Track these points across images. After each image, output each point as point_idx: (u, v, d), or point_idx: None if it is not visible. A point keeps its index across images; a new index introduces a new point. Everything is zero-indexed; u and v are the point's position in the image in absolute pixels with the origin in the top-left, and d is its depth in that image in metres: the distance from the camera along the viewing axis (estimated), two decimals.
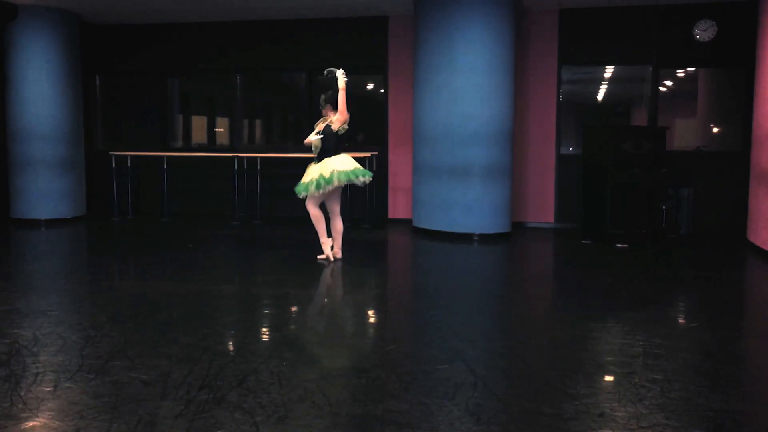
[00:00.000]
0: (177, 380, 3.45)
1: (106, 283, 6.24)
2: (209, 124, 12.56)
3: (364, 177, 6.78)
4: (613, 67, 10.64)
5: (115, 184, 10.70)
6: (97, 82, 11.48)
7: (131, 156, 10.77)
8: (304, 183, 6.83)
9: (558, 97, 9.83)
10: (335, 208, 7.05)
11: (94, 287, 6.02)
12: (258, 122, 12.96)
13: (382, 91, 10.61)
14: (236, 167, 10.41)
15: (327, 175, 6.61)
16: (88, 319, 4.76)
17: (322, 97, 7.01)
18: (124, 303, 5.28)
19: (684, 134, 11.07)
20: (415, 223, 9.26)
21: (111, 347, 4.04)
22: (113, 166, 10.68)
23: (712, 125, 10.72)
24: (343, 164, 6.71)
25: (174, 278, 6.42)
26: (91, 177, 11.04)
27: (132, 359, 3.80)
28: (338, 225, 7.07)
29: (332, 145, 6.78)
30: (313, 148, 6.91)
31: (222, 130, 12.24)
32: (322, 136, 6.77)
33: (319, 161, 6.80)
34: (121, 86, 11.52)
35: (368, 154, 9.88)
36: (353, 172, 6.70)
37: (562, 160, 9.93)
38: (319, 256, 7.08)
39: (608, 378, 3.64)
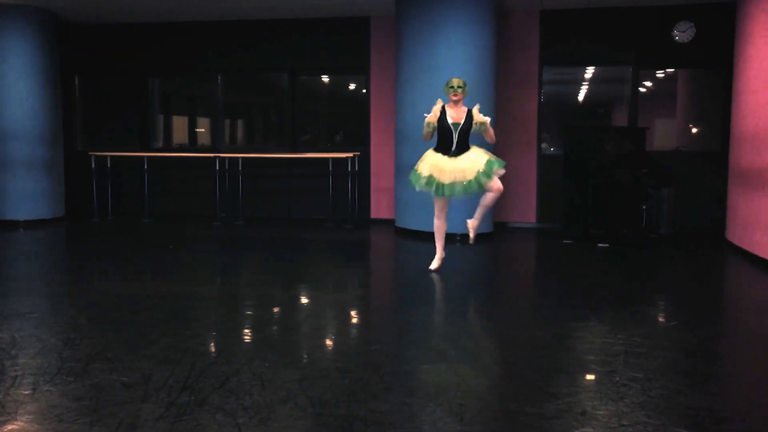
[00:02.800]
0: (158, 382, 3.42)
1: (86, 285, 6.18)
2: (190, 124, 12.48)
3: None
4: (593, 67, 10.72)
5: (94, 185, 10.61)
6: (77, 82, 11.37)
7: (111, 156, 10.68)
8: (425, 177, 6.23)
9: (539, 98, 9.89)
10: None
11: (74, 289, 5.95)
12: (240, 122, 12.90)
13: (364, 91, 10.61)
14: (218, 167, 10.36)
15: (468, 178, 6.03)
16: (68, 321, 4.71)
17: (454, 81, 6.28)
18: (104, 305, 5.23)
19: (664, 134, 11.19)
20: (398, 224, 9.26)
21: (91, 349, 4.00)
22: (93, 166, 10.59)
23: (691, 126, 10.83)
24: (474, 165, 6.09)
25: (155, 279, 6.37)
26: (71, 178, 10.93)
27: (112, 361, 3.76)
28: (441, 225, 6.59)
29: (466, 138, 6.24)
30: (427, 127, 6.24)
31: (203, 130, 12.18)
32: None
33: (453, 154, 6.17)
34: (101, 86, 11.42)
35: (350, 155, 9.88)
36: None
37: (543, 160, 9.99)
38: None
39: (589, 377, 3.66)
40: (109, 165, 10.70)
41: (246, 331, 4.70)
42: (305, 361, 3.96)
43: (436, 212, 6.49)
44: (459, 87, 6.24)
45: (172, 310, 5.10)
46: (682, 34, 9.40)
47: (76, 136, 11.38)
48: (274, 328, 4.82)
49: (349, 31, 10.34)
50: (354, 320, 5.15)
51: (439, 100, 6.36)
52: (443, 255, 6.59)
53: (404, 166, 9.00)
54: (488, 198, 6.22)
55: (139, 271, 6.79)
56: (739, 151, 7.90)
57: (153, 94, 11.58)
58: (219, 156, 10.34)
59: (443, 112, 6.24)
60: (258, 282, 6.33)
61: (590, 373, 3.71)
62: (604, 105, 12.43)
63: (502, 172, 6.14)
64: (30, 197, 9.99)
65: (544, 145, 10.30)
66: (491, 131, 6.32)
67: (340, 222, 10.09)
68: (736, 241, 7.83)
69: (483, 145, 6.55)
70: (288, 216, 10.77)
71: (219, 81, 11.06)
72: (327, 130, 11.80)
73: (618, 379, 3.55)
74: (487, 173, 6.01)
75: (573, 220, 8.64)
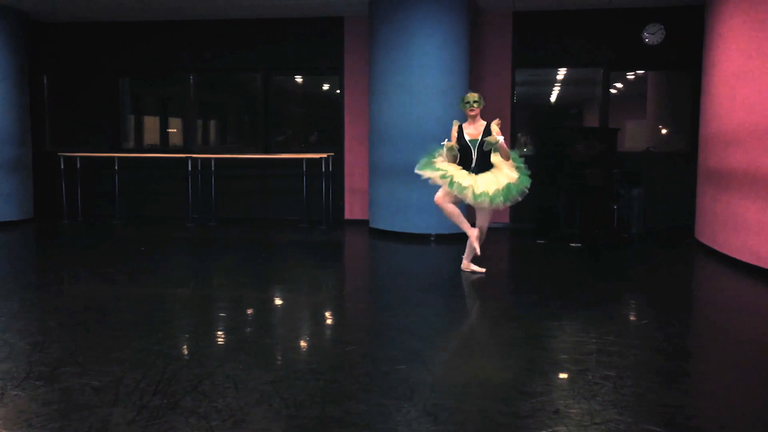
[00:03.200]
0: (129, 386, 3.38)
1: (55, 288, 6.07)
2: (162, 124, 12.35)
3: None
4: (565, 69, 10.83)
5: (64, 186, 10.45)
6: (46, 81, 11.20)
7: (81, 157, 10.53)
8: (442, 172, 6.05)
9: (512, 99, 9.95)
10: (482, 223, 6.40)
11: (43, 292, 5.85)
12: (212, 123, 12.80)
13: (338, 91, 10.59)
14: (190, 168, 10.27)
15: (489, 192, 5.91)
16: (37, 325, 4.63)
17: (470, 96, 6.16)
18: (74, 308, 5.15)
19: (634, 135, 11.33)
20: (372, 224, 9.26)
21: (60, 353, 3.94)
22: (62, 167, 10.43)
23: (661, 127, 10.99)
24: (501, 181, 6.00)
25: (126, 282, 6.29)
26: (40, 179, 10.76)
27: (82, 365, 3.71)
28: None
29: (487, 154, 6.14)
30: (449, 151, 6.11)
31: (175, 130, 12.06)
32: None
33: (473, 172, 6.07)
34: (70, 86, 11.26)
35: (324, 155, 9.86)
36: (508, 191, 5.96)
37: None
38: (473, 267, 6.50)
39: (563, 375, 3.69)
40: (78, 166, 10.55)
41: (219, 333, 4.66)
42: (279, 362, 3.93)
43: (445, 196, 6.14)
44: (475, 102, 6.11)
45: (144, 312, 5.04)
46: (651, 36, 9.53)
47: (45, 136, 11.20)
48: (248, 330, 4.78)
49: (322, 32, 10.32)
50: (328, 321, 5.13)
51: (455, 120, 6.29)
52: (476, 233, 6.28)
53: (378, 167, 9.02)
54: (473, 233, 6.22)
55: (110, 273, 6.69)
56: (708, 152, 8.03)
57: (124, 94, 11.44)
58: (191, 157, 10.25)
59: (460, 131, 6.15)
60: (231, 284, 6.28)
61: (563, 372, 3.74)
62: (577, 106, 12.56)
63: (520, 198, 6.04)
64: None
65: (526, 149, 10.38)
66: (504, 149, 6.08)
67: (314, 223, 10.06)
68: (705, 241, 7.96)
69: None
70: (262, 217, 10.71)
71: (191, 81, 10.96)
72: (301, 130, 11.76)
73: (590, 377, 3.58)
74: (505, 195, 5.91)
75: (546, 221, 8.72)
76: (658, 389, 3.44)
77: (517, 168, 6.15)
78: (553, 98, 12.10)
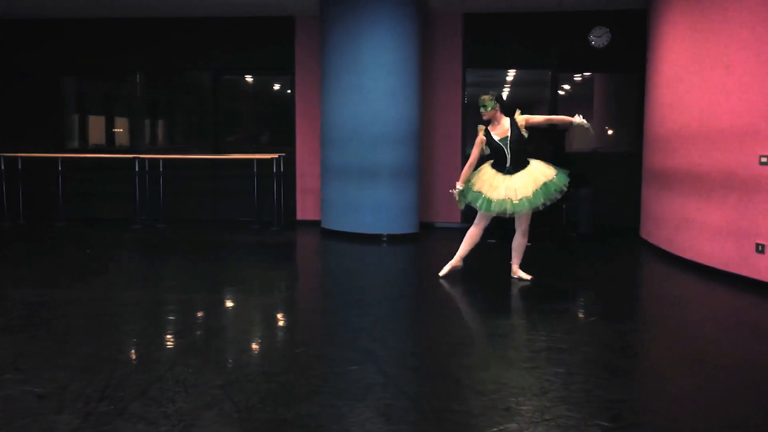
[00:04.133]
0: (75, 392, 3.29)
1: None
2: (108, 124, 12.05)
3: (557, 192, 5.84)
4: (515, 70, 10.97)
5: (4, 188, 10.12)
6: None
7: (22, 157, 10.20)
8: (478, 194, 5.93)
9: (463, 99, 10.04)
10: (522, 226, 6.15)
11: None
12: (160, 122, 12.55)
13: (289, 91, 10.52)
14: (137, 169, 10.05)
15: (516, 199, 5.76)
16: None
17: (483, 98, 6.00)
18: (16, 312, 4.98)
19: (582, 136, 11.54)
20: (324, 225, 9.23)
21: (2, 360, 3.80)
22: (2, 168, 10.10)
23: (607, 128, 11.23)
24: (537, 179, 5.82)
25: (71, 285, 6.11)
26: None
27: (25, 372, 3.59)
28: (519, 240, 6.20)
29: (523, 150, 5.95)
30: (461, 198, 6.04)
31: (121, 130, 11.79)
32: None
33: (508, 171, 5.89)
34: (10, 84, 10.88)
35: (276, 156, 9.77)
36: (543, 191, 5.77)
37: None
38: (521, 274, 6.26)
39: (514, 373, 3.74)
40: (20, 166, 10.22)
41: (168, 336, 4.58)
42: (230, 365, 3.88)
43: (476, 220, 6.15)
44: (483, 106, 5.96)
45: (90, 316, 4.91)
46: (598, 39, 9.74)
47: None
48: (198, 333, 4.70)
49: (273, 31, 10.23)
50: (280, 323, 5.09)
51: (480, 126, 6.11)
52: (459, 264, 6.30)
53: (330, 167, 8.99)
54: (514, 244, 6.12)
55: (54, 277, 6.50)
56: (652, 152, 8.24)
57: (68, 93, 11.13)
58: (138, 157, 10.03)
59: (488, 134, 5.98)
60: (181, 286, 6.17)
61: (514, 370, 3.79)
62: (526, 107, 12.71)
63: (560, 195, 5.88)
64: None
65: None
66: (552, 118, 5.98)
67: (265, 224, 9.97)
68: (650, 239, 8.17)
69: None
70: (212, 218, 10.56)
71: (137, 80, 10.74)
72: (252, 130, 11.63)
73: (541, 374, 3.63)
74: (544, 194, 5.75)
75: (496, 220, 8.79)
76: (606, 385, 3.51)
77: (555, 166, 6.01)
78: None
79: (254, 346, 4.42)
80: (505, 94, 12.15)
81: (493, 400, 3.25)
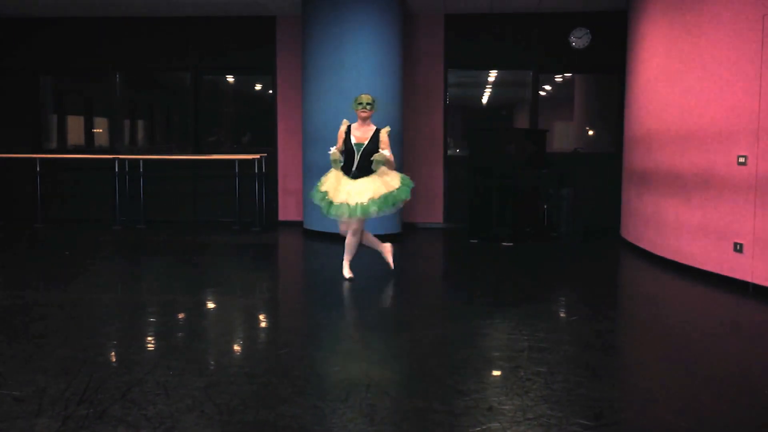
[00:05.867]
0: (54, 395, 3.25)
1: None
2: (87, 124, 11.93)
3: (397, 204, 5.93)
4: (496, 71, 11.02)
5: None
6: None
7: None
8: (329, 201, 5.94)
9: (445, 100, 10.06)
10: (353, 226, 6.13)
11: None
12: (140, 122, 12.45)
13: (270, 91, 10.48)
14: (117, 169, 9.96)
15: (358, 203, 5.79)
16: None
17: (363, 97, 6.04)
18: None
19: (563, 136, 11.62)
20: (306, 225, 9.20)
21: None
22: None
23: (587, 128, 11.30)
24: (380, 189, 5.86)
25: (50, 287, 6.04)
26: None
27: (3, 375, 3.54)
28: (349, 239, 6.19)
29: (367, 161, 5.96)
30: (334, 164, 6.02)
31: (101, 130, 11.67)
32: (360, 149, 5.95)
33: (353, 176, 5.94)
34: None
35: (257, 156, 9.73)
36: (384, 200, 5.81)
37: (449, 161, 10.17)
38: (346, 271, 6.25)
39: (496, 372, 3.75)
40: None
41: (149, 338, 4.54)
42: (212, 367, 3.85)
43: (341, 228, 6.23)
44: (368, 104, 6.01)
45: (68, 319, 4.86)
46: (578, 40, 9.80)
47: None
48: (179, 334, 4.67)
49: (254, 31, 10.19)
50: (262, 324, 5.06)
51: (345, 120, 6.17)
52: (386, 247, 6.42)
53: (312, 168, 8.96)
54: (347, 239, 6.14)
55: (32, 279, 6.42)
56: (632, 153, 8.31)
57: (46, 93, 11.01)
58: (118, 157, 9.95)
59: (348, 131, 6.05)
60: (161, 288, 6.12)
61: (496, 369, 3.80)
62: (507, 108, 12.78)
63: (400, 206, 6.00)
64: None
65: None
66: (391, 163, 5.99)
67: (247, 225, 9.92)
68: (630, 238, 8.23)
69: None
70: (193, 219, 10.49)
71: (117, 79, 10.65)
72: (233, 131, 11.57)
73: (522, 373, 3.65)
74: (379, 204, 5.78)
75: (478, 220, 8.84)
76: (588, 384, 3.53)
77: (402, 178, 6.03)
78: (484, 100, 12.30)
79: (236, 347, 4.39)
80: (486, 95, 12.19)
81: (475, 400, 3.26)
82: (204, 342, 4.46)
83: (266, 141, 10.42)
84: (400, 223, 9.08)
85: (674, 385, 3.60)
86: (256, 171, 9.83)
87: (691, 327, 4.90)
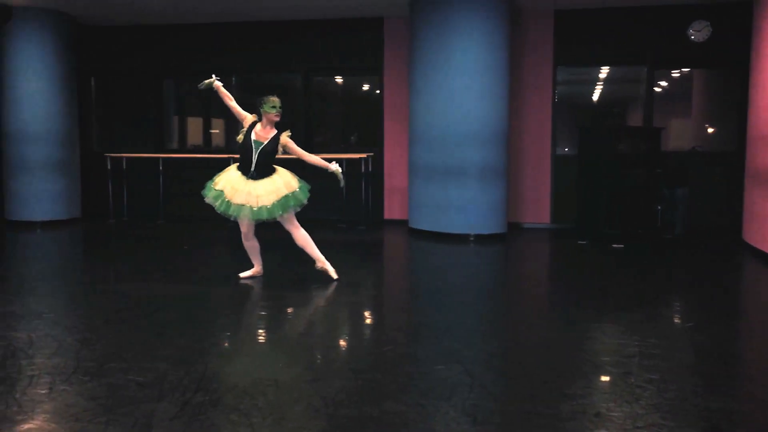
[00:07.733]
0: (173, 382, 3.44)
1: (102, 286, 6.22)
2: (205, 125, 12.53)
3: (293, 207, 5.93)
4: (608, 67, 10.67)
5: (110, 186, 10.68)
6: (93, 83, 11.46)
7: (127, 158, 10.75)
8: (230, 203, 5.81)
9: (553, 98, 9.85)
10: (288, 225, 6.14)
11: (90, 289, 6.00)
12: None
13: (377, 92, 10.61)
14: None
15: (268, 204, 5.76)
16: (84, 322, 4.75)
17: (277, 100, 5.95)
18: (119, 305, 5.26)
19: (679, 134, 11.11)
20: (411, 224, 9.26)
21: (106, 349, 4.03)
22: (109, 167, 10.66)
23: (707, 125, 10.75)
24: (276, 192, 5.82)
25: (171, 280, 6.40)
26: (87, 179, 11.02)
27: (128, 361, 3.79)
28: (298, 237, 6.19)
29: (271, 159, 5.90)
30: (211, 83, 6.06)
31: (218, 131, 12.23)
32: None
33: (252, 176, 5.80)
34: (116, 87, 11.52)
35: (364, 155, 9.89)
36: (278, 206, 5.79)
37: (557, 160, 9.95)
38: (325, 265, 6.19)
39: (604, 378, 3.65)
40: (124, 166, 10.78)
41: (260, 331, 4.72)
42: (319, 361, 3.96)
43: (242, 231, 6.04)
44: (280, 107, 5.87)
45: (187, 310, 5.13)
46: (697, 33, 9.33)
47: (92, 137, 11.48)
48: (286, 328, 4.83)
49: (362, 32, 10.35)
50: (368, 321, 5.15)
51: (254, 115, 5.98)
52: (259, 270, 6.28)
53: (417, 167, 9.02)
54: (299, 243, 6.12)
55: (155, 272, 6.82)
56: (756, 151, 7.83)
57: (168, 96, 11.64)
58: (233, 157, 10.35)
59: (252, 127, 5.86)
60: (271, 283, 6.33)
61: (605, 375, 3.69)
62: (619, 105, 12.36)
63: (299, 209, 5.94)
64: (47, 198, 10.10)
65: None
66: (309, 158, 6.01)
67: (353, 223, 10.10)
68: (753, 242, 7.76)
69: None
70: (300, 217, 10.75)
71: (233, 82, 11.10)
72: (341, 131, 11.81)
73: (633, 380, 3.53)
74: (283, 206, 5.76)
75: (587, 221, 8.60)
76: (702, 393, 3.37)
77: (299, 179, 5.99)
78: (595, 97, 11.94)
79: (342, 343, 4.49)
80: (597, 92, 11.83)
81: (582, 405, 3.19)
82: (311, 337, 4.60)
83: (372, 141, 10.56)
84: (506, 223, 8.98)
85: None
86: (363, 170, 9.98)
87: None
